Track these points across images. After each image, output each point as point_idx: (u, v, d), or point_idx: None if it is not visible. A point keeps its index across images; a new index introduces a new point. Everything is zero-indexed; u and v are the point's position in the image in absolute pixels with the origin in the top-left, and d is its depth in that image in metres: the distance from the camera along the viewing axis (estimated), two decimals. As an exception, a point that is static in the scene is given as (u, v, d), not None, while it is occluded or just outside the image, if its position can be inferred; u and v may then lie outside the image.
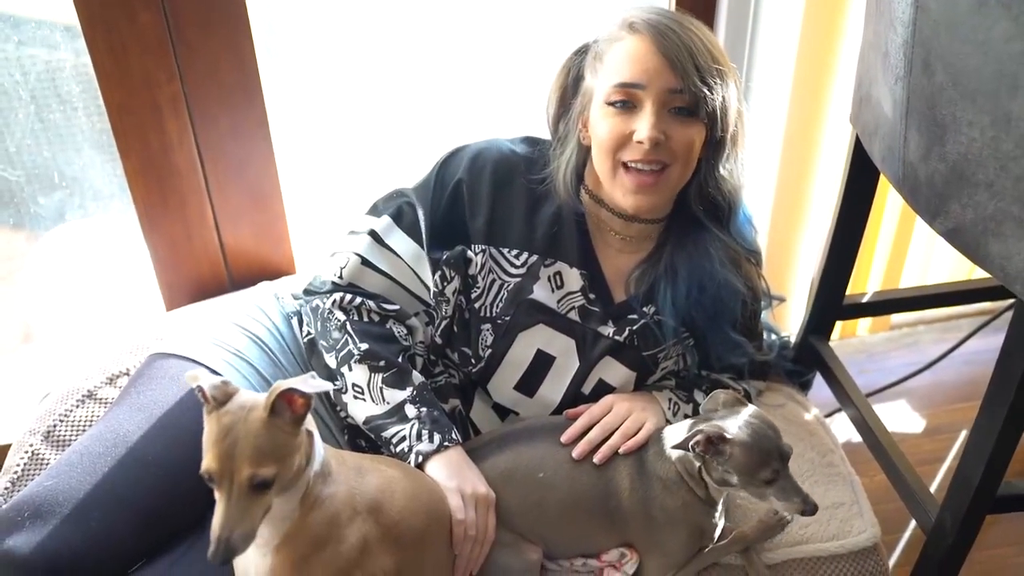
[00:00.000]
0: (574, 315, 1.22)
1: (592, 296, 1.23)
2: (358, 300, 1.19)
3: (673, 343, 1.24)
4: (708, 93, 1.11)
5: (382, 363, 1.15)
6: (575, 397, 1.22)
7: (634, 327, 1.23)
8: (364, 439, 1.22)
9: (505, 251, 1.20)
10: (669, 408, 1.24)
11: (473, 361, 1.21)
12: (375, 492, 1.00)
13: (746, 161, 1.22)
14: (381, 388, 1.15)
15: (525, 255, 1.20)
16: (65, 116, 1.55)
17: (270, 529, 0.92)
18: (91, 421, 1.29)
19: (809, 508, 1.05)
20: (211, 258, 1.59)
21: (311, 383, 0.87)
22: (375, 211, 1.24)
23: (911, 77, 1.08)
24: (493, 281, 1.20)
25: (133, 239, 1.57)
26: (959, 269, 2.07)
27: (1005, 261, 1.00)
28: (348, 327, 1.17)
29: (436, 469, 1.10)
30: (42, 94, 1.52)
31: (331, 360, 1.18)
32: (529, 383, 1.22)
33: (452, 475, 1.10)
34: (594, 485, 1.13)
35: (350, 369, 1.16)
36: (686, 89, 1.10)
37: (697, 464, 1.08)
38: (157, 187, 1.49)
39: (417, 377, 1.18)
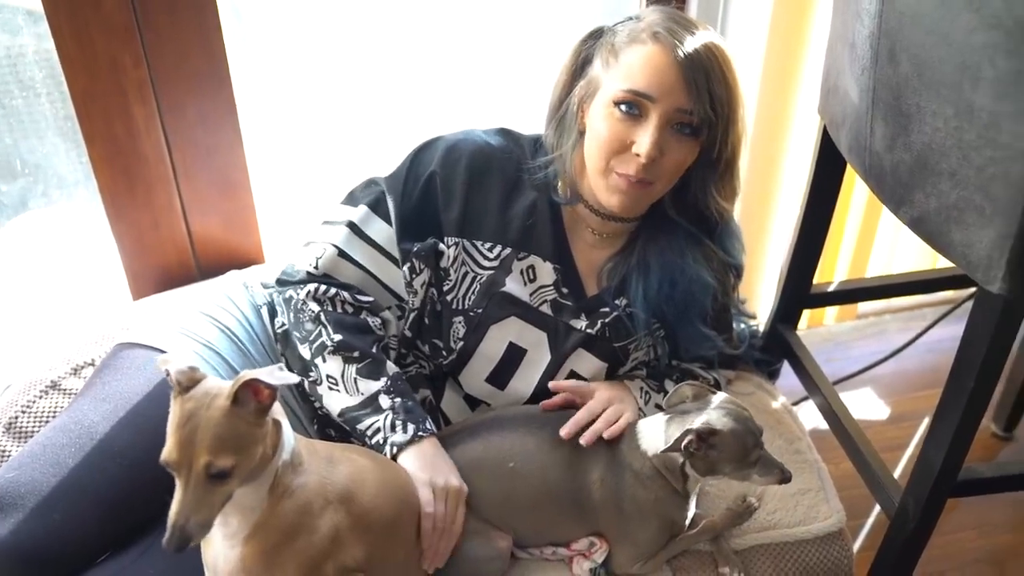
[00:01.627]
0: (546, 308, 1.22)
1: (565, 290, 1.23)
2: (332, 291, 1.18)
3: (644, 334, 1.25)
4: (715, 120, 1.10)
5: (356, 354, 1.15)
6: (547, 390, 1.22)
7: (606, 320, 1.23)
8: (334, 428, 1.22)
9: (478, 244, 1.20)
10: (641, 397, 1.24)
11: (444, 353, 1.21)
12: (346, 481, 1.00)
13: (739, 184, 1.22)
14: (355, 379, 1.14)
15: (498, 248, 1.20)
16: (27, 102, 1.52)
17: (238, 519, 0.92)
18: (55, 412, 1.27)
19: (787, 476, 1.08)
20: (178, 247, 1.57)
21: (277, 375, 0.86)
22: (352, 200, 1.23)
23: (877, 68, 1.09)
24: (466, 274, 1.20)
25: (98, 228, 1.55)
26: (924, 259, 2.10)
27: (967, 249, 1.02)
28: (322, 318, 1.16)
29: (409, 460, 1.10)
30: (3, 80, 1.49)
31: (305, 351, 1.17)
32: (501, 376, 1.22)
33: (424, 467, 1.09)
34: (565, 476, 1.14)
35: (324, 360, 1.15)
36: (696, 112, 1.09)
37: (680, 459, 1.09)
38: (123, 175, 1.47)
39: (391, 367, 1.17)
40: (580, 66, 1.19)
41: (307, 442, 1.00)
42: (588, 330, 1.23)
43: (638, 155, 1.10)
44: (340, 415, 1.15)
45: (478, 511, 1.13)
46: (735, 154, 1.18)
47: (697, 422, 1.06)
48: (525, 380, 1.22)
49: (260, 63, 1.60)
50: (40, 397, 1.28)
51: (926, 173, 1.04)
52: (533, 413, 1.20)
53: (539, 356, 1.22)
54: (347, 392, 1.14)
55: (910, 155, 1.06)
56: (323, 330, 1.16)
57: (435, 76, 1.68)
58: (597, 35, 1.19)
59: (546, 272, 1.22)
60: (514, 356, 1.21)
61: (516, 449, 1.15)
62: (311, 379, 1.17)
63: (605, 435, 1.14)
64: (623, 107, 1.10)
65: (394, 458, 1.10)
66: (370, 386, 1.13)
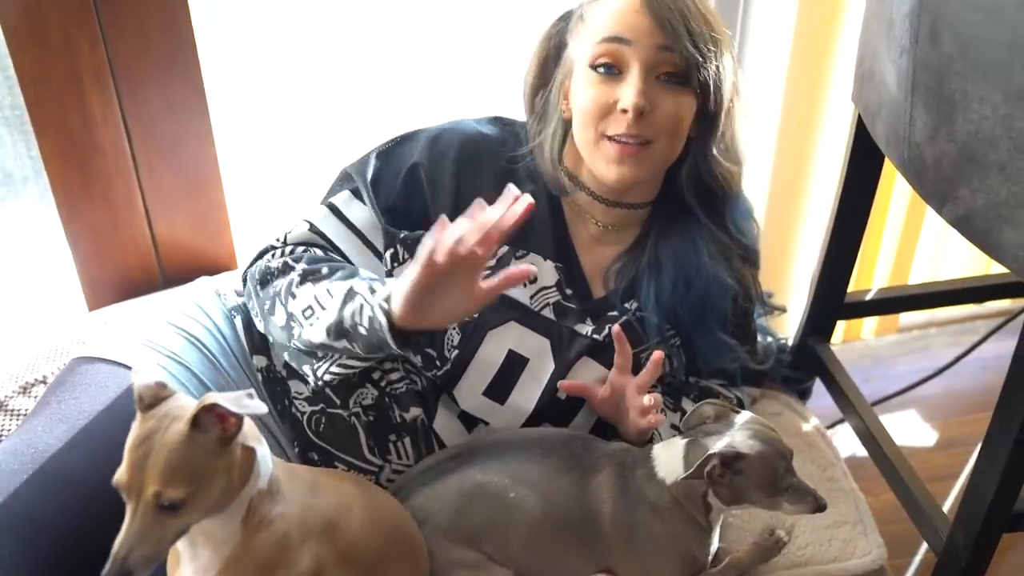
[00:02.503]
0: (548, 312, 1.23)
1: (569, 291, 1.24)
2: (300, 250, 1.18)
3: (657, 342, 1.25)
4: (700, 60, 1.12)
5: (324, 269, 1.14)
6: (551, 404, 1.22)
7: (614, 325, 1.24)
8: (316, 451, 1.22)
9: None
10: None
11: (438, 363, 1.21)
12: (330, 511, 1.00)
13: (743, 141, 1.23)
14: (327, 290, 1.10)
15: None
16: (-33, 88, 1.53)
17: (209, 552, 0.92)
18: (1, 435, 1.27)
19: (821, 504, 1.08)
20: (140, 251, 1.58)
21: (244, 402, 0.86)
22: (331, 194, 1.24)
23: (917, 49, 1.10)
24: None
25: (50, 229, 1.55)
26: (975, 264, 2.11)
27: (1020, 251, 1.02)
28: (288, 262, 1.16)
29: (400, 293, 1.01)
30: (-58, 64, 1.50)
31: (279, 314, 1.14)
32: (500, 388, 1.22)
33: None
34: (571, 507, 1.13)
35: (294, 298, 1.13)
36: (676, 48, 1.11)
37: (702, 487, 1.09)
38: (78, 169, 1.47)
39: (365, 271, 1.16)
40: (554, 52, 1.22)
41: (288, 467, 1.01)
42: (595, 336, 1.23)
43: (625, 110, 1.11)
44: (328, 334, 1.09)
45: (476, 544, 1.13)
46: (732, 107, 1.19)
47: (720, 445, 1.06)
48: (527, 393, 1.22)
49: (232, 44, 1.60)
50: (-17, 419, 1.29)
51: (972, 166, 1.04)
52: (536, 437, 1.20)
53: (542, 365, 1.22)
54: (323, 307, 1.10)
55: (954, 146, 1.07)
56: (289, 271, 1.15)
57: (416, 69, 1.69)
58: (566, 17, 1.21)
59: (547, 271, 1.23)
60: (514, 365, 1.21)
61: (518, 476, 1.15)
62: (295, 337, 1.13)
63: (642, 423, 1.15)
64: (601, 68, 1.13)
65: (387, 315, 1.03)
66: (344, 285, 1.10)
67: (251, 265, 1.21)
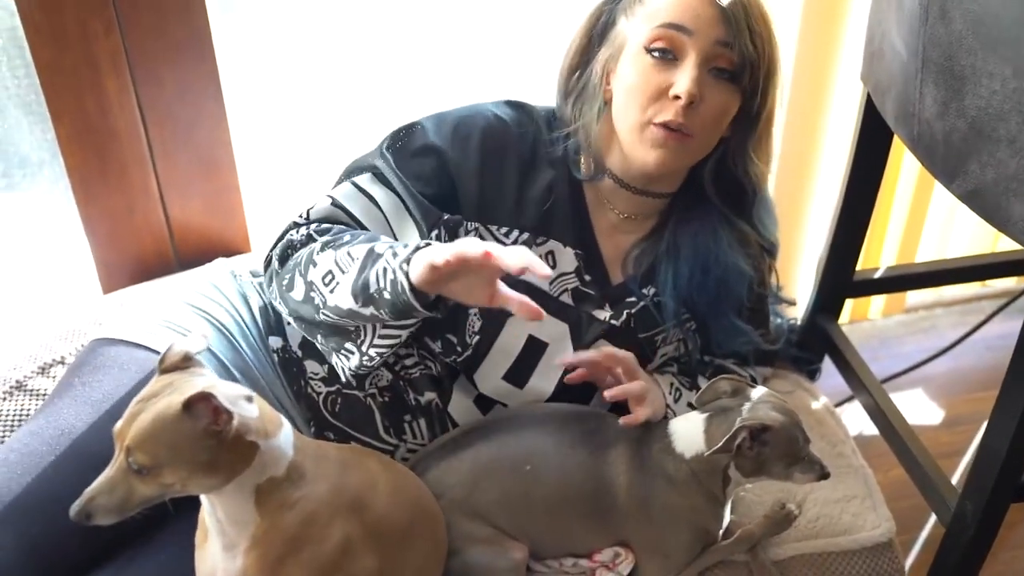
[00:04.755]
0: (567, 298, 1.24)
1: (587, 278, 1.24)
2: (326, 225, 1.17)
3: (673, 326, 1.26)
4: (756, 59, 1.12)
5: (346, 237, 1.11)
6: (568, 388, 1.23)
7: (632, 310, 1.25)
8: (332, 431, 1.23)
9: (494, 229, 1.21)
10: (671, 393, 1.26)
11: (459, 349, 1.21)
12: (358, 488, 1.02)
13: (777, 143, 1.24)
14: (348, 252, 1.07)
15: (515, 233, 1.21)
16: (-15, 74, 1.54)
17: (235, 530, 0.94)
18: (21, 415, 1.28)
19: (826, 472, 1.11)
20: (155, 234, 1.59)
21: (240, 404, 0.87)
22: (346, 176, 1.23)
23: (927, 26, 1.11)
24: None
25: (66, 213, 1.56)
26: (980, 243, 2.12)
27: (1028, 224, 1.03)
28: (311, 234, 1.14)
29: (422, 261, 0.98)
30: (-41, 50, 1.51)
31: (298, 289, 1.11)
32: (519, 372, 1.23)
33: (441, 249, 0.98)
34: (586, 480, 1.15)
35: (315, 266, 1.09)
36: (735, 45, 1.11)
37: (724, 460, 1.11)
38: (94, 154, 1.48)
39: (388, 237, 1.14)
40: (600, 31, 1.21)
41: (317, 446, 1.02)
42: (612, 321, 1.24)
43: (677, 97, 1.11)
44: (355, 299, 1.05)
45: (491, 518, 1.15)
46: (773, 110, 1.20)
47: (747, 418, 1.07)
48: (546, 377, 1.23)
49: (246, 29, 1.61)
50: (4, 399, 1.30)
51: (982, 141, 1.05)
52: (551, 412, 1.22)
53: (561, 350, 1.23)
54: (343, 270, 1.06)
55: (964, 121, 1.08)
56: (311, 244, 1.13)
57: (429, 53, 1.69)
58: None
59: (567, 258, 1.23)
60: (534, 350, 1.22)
61: (533, 450, 1.16)
62: (321, 308, 1.09)
63: (620, 421, 1.16)
64: (656, 52, 1.12)
65: (407, 276, 1.00)
66: (364, 248, 1.07)
67: (275, 246, 1.19)
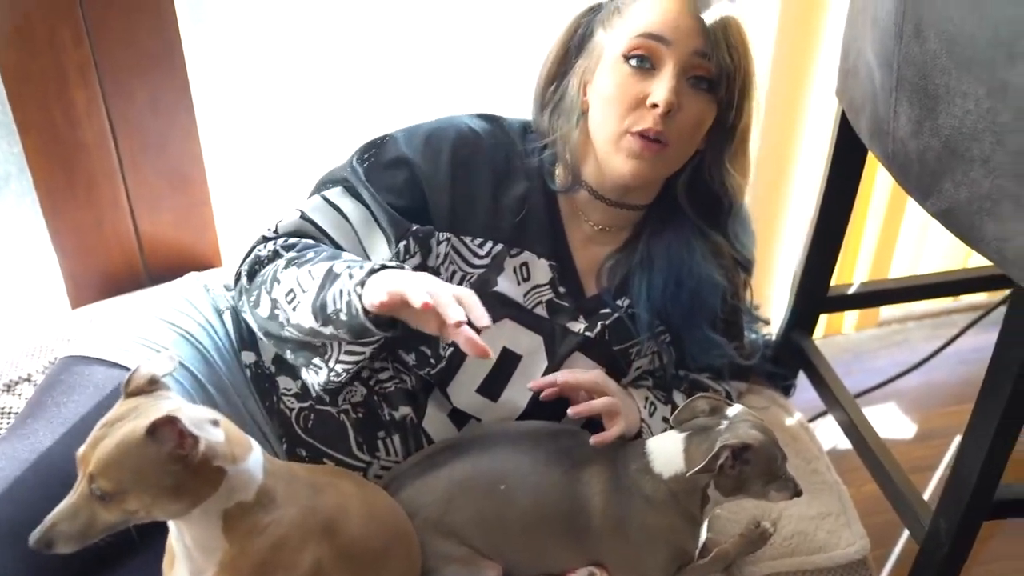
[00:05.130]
0: (541, 310, 1.23)
1: (562, 290, 1.24)
2: (292, 240, 1.17)
3: (647, 338, 1.26)
4: (733, 71, 1.13)
5: (310, 254, 1.12)
6: (543, 402, 1.22)
7: (606, 322, 1.25)
8: (304, 448, 1.22)
9: (468, 240, 1.20)
10: (646, 407, 1.26)
11: (432, 362, 1.20)
12: (330, 510, 1.00)
13: (751, 162, 1.25)
14: (309, 271, 1.08)
15: (489, 244, 1.21)
16: (-52, 84, 1.51)
17: (201, 557, 0.93)
18: (-13, 434, 1.26)
19: (799, 490, 1.12)
20: (124, 248, 1.57)
21: (206, 428, 0.85)
22: (319, 191, 1.23)
23: (902, 44, 1.12)
24: (454, 273, 1.20)
25: (32, 226, 1.54)
26: (953, 259, 2.13)
27: (1002, 243, 1.04)
28: (278, 250, 1.14)
29: (376, 286, 1.00)
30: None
31: (264, 306, 1.12)
32: (493, 385, 1.22)
33: (395, 281, 0.99)
34: (561, 500, 1.14)
35: (278, 283, 1.11)
36: (713, 56, 1.12)
37: (704, 480, 1.10)
38: (62, 166, 1.46)
39: (348, 254, 1.14)
40: (578, 42, 1.21)
41: (288, 468, 1.01)
42: (587, 333, 1.24)
43: (655, 105, 1.11)
44: (315, 317, 1.06)
45: (465, 538, 1.14)
46: (749, 123, 1.21)
47: (728, 437, 1.07)
48: (520, 389, 1.22)
49: (218, 41, 1.60)
50: (-32, 418, 1.27)
51: (956, 160, 1.06)
52: (526, 430, 1.21)
53: (535, 362, 1.22)
54: (304, 289, 1.07)
55: (938, 140, 1.08)
56: (278, 260, 1.14)
57: (402, 66, 1.69)
58: (596, 9, 1.21)
59: (541, 270, 1.23)
60: (508, 363, 1.22)
61: (508, 469, 1.15)
62: (285, 325, 1.11)
63: (592, 440, 1.15)
64: (634, 60, 1.13)
65: (360, 299, 1.02)
66: (323, 267, 1.08)
67: (243, 261, 1.19)
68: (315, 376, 1.15)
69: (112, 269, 1.58)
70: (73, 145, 1.45)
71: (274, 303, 1.11)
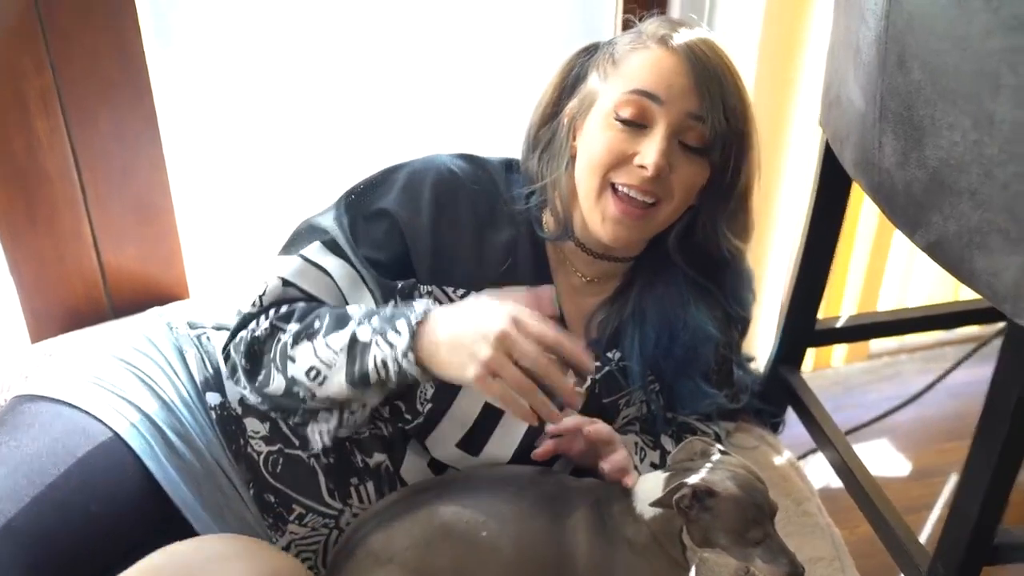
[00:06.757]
0: None
1: None
2: (283, 309, 1.14)
3: (637, 388, 1.25)
4: (728, 135, 1.13)
5: (316, 323, 1.09)
6: (526, 456, 1.21)
7: (596, 376, 1.24)
8: (272, 494, 1.20)
9: (450, 291, 1.19)
10: (636, 454, 1.25)
11: (408, 417, 1.19)
12: None
13: (752, 222, 1.24)
14: (327, 344, 1.07)
15: (473, 295, 1.19)
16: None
17: None
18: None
19: (797, 570, 1.06)
20: (87, 280, 1.57)
21: None
22: (293, 247, 1.20)
23: (885, 76, 1.13)
24: None
25: (-9, 259, 1.53)
26: (943, 289, 2.15)
27: (992, 278, 1.04)
28: (275, 324, 1.12)
29: (429, 354, 1.01)
30: None
31: (276, 384, 1.11)
32: (474, 441, 1.20)
33: (448, 347, 1.00)
34: (544, 547, 1.13)
35: (293, 362, 1.09)
36: (707, 119, 1.11)
37: (679, 524, 1.09)
38: (22, 196, 1.46)
39: (355, 308, 1.12)
40: (571, 83, 1.21)
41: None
42: (576, 388, 1.22)
43: (643, 167, 1.10)
44: (354, 386, 1.06)
45: (440, 585, 1.12)
46: (749, 186, 1.20)
47: (695, 478, 1.06)
48: (502, 445, 1.21)
49: (186, 68, 1.60)
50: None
51: (943, 192, 1.07)
52: (510, 475, 1.20)
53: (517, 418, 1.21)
54: (330, 365, 1.06)
55: (924, 172, 1.09)
56: (279, 335, 1.12)
57: (375, 99, 1.70)
58: (592, 50, 1.21)
59: None
60: (490, 418, 1.20)
61: (490, 516, 1.13)
62: (309, 400, 1.10)
63: (626, 482, 1.13)
64: (625, 120, 1.12)
65: (418, 363, 1.02)
66: (343, 336, 1.06)
67: (231, 339, 1.17)
68: (325, 425, 1.15)
69: (74, 303, 1.57)
70: (34, 174, 1.45)
71: (292, 381, 1.10)
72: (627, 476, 1.14)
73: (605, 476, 1.15)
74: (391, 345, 1.03)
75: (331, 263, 1.17)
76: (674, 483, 1.09)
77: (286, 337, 1.10)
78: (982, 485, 1.18)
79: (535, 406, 0.99)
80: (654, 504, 1.06)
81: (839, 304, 2.07)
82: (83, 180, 1.48)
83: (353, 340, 1.06)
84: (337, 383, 1.07)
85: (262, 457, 1.21)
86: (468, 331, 0.99)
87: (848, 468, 1.51)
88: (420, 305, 1.05)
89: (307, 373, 1.08)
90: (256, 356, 1.14)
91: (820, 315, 1.68)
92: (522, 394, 0.98)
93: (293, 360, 1.09)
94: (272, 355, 1.12)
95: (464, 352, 0.98)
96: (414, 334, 1.02)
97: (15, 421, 1.14)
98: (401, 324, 1.03)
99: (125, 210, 1.53)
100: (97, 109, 1.43)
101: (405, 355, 1.02)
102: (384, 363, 1.03)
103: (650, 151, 1.10)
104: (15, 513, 1.05)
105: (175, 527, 1.13)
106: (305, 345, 1.09)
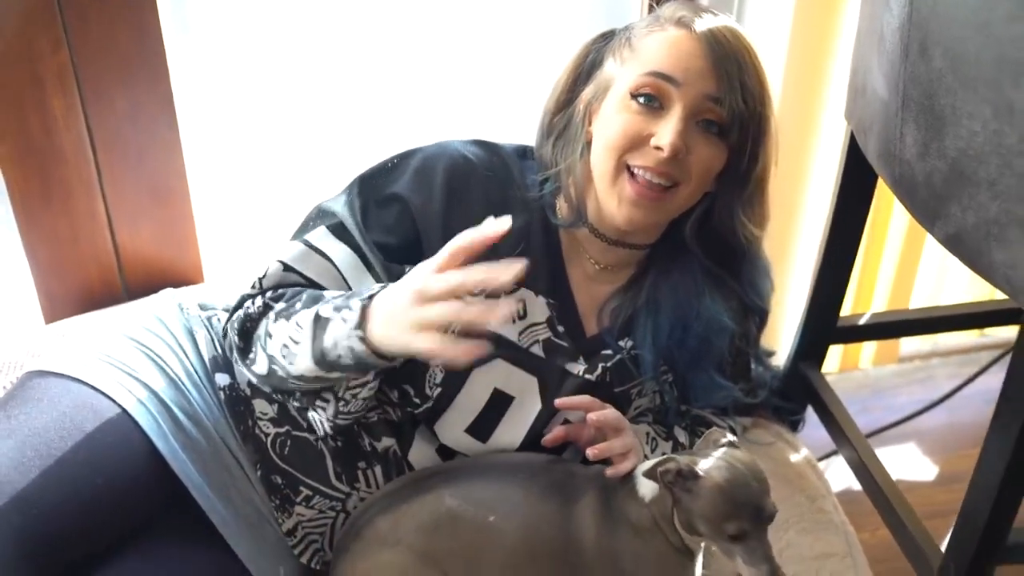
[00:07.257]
0: (537, 349, 1.22)
1: (560, 329, 1.23)
2: (280, 291, 1.15)
3: (650, 378, 1.26)
4: (746, 117, 1.12)
5: (297, 305, 1.10)
6: (535, 443, 1.22)
7: (608, 364, 1.24)
8: (279, 475, 1.22)
9: None
10: (648, 443, 1.25)
11: (416, 401, 1.20)
12: None
13: (769, 209, 1.24)
14: (297, 322, 1.07)
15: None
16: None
17: None
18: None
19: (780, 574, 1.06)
20: (102, 262, 1.59)
21: None
22: (303, 231, 1.22)
23: (907, 64, 1.12)
24: None
25: (6, 238, 1.56)
26: (977, 290, 2.12)
27: (1010, 271, 1.03)
28: (267, 303, 1.13)
29: (376, 332, 1.00)
30: None
31: (261, 363, 1.12)
32: (483, 426, 1.21)
33: (386, 318, 0.98)
34: (552, 532, 1.14)
35: (271, 338, 1.10)
36: (725, 101, 1.11)
37: (670, 503, 1.10)
38: (38, 177, 1.48)
39: (332, 292, 1.12)
40: (587, 69, 1.21)
41: None
42: (587, 375, 1.23)
43: (659, 148, 1.10)
44: (319, 366, 1.06)
45: (448, 569, 1.13)
46: (766, 171, 1.20)
47: (686, 457, 1.07)
48: (511, 431, 1.22)
49: (203, 49, 1.62)
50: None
51: (962, 183, 1.06)
52: (519, 462, 1.20)
53: (528, 403, 1.21)
54: (297, 342, 1.07)
55: (944, 163, 1.08)
56: (267, 312, 1.13)
57: (391, 81, 1.70)
58: (608, 36, 1.21)
59: (538, 308, 1.22)
60: (499, 404, 1.20)
61: (498, 501, 1.15)
62: (288, 377, 1.11)
63: (608, 472, 1.14)
64: (642, 98, 1.12)
65: (363, 342, 1.01)
66: (309, 313, 1.06)
67: (230, 320, 1.18)
68: (323, 412, 1.16)
69: (89, 284, 1.59)
70: (50, 155, 1.46)
71: (271, 359, 1.11)
72: (624, 462, 1.14)
73: (590, 459, 1.14)
74: (344, 321, 1.03)
75: (334, 249, 1.18)
76: (667, 456, 1.09)
77: (271, 315, 1.12)
78: (994, 482, 1.18)
79: (476, 317, 0.95)
80: (644, 474, 1.07)
81: (869, 301, 2.05)
82: (98, 160, 1.50)
83: (317, 317, 1.06)
84: (303, 361, 1.07)
85: (270, 439, 1.22)
86: (395, 301, 0.99)
87: (866, 468, 1.50)
88: (379, 285, 1.05)
89: (280, 350, 1.09)
90: (247, 334, 1.15)
91: (850, 312, 1.67)
92: (457, 318, 0.95)
93: (271, 336, 1.10)
94: (259, 333, 1.13)
95: (396, 324, 0.97)
96: (364, 310, 1.01)
97: (24, 395, 1.17)
98: (354, 302, 1.03)
99: (140, 192, 1.55)
100: (114, 90, 1.45)
101: (354, 331, 1.01)
102: (336, 341, 1.03)
103: (666, 132, 1.10)
104: (24, 485, 1.07)
105: (181, 505, 1.15)
106: (282, 323, 1.10)
